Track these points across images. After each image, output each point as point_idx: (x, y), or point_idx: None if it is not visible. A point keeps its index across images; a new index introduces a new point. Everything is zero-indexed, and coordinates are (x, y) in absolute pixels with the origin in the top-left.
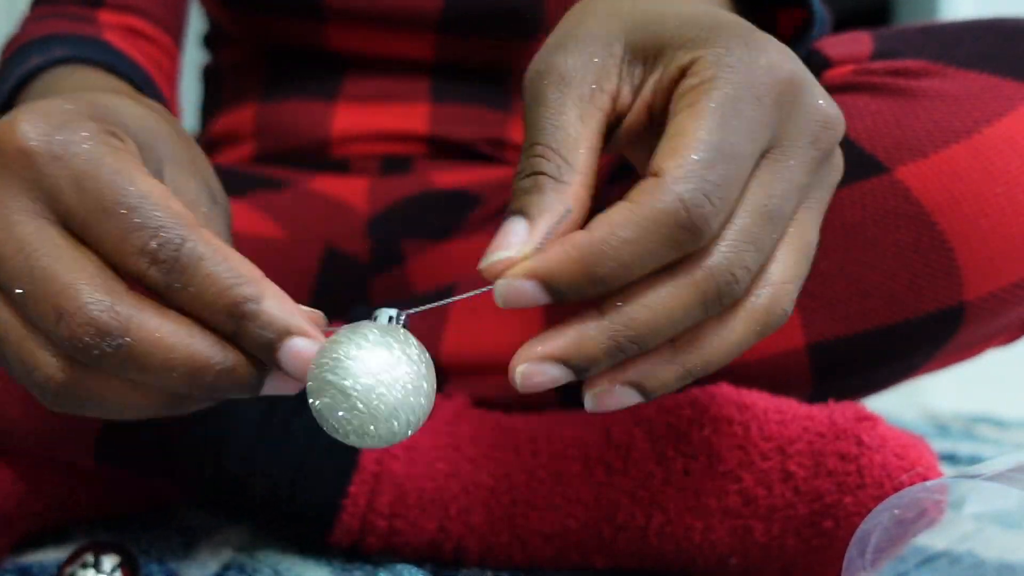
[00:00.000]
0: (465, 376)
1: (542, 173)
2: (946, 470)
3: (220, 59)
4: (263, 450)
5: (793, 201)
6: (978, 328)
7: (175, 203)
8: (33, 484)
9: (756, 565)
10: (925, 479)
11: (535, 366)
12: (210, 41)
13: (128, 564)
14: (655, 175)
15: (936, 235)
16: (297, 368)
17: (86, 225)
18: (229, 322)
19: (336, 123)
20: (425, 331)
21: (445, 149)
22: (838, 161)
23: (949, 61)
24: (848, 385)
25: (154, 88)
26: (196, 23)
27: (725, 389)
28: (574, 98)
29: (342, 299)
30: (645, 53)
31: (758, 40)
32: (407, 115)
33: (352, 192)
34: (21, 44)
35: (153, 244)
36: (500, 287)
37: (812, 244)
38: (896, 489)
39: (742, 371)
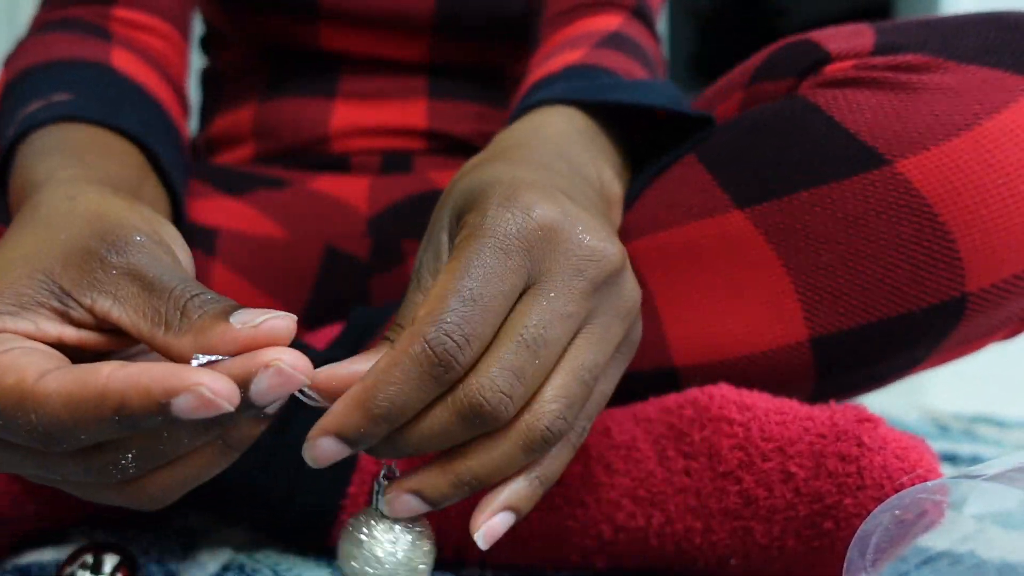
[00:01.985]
0: None
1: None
2: (947, 470)
3: (218, 61)
4: (263, 450)
5: (558, 328)
6: (980, 320)
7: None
8: (30, 484)
9: (756, 566)
10: (926, 480)
11: (318, 440)
12: (207, 44)
13: (127, 564)
14: (412, 324)
15: (938, 227)
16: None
17: None
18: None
19: (335, 119)
20: None
21: (444, 145)
22: (627, 289)
23: (950, 55)
24: (851, 379)
25: (155, 125)
26: (194, 27)
27: (725, 390)
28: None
29: (342, 299)
30: (461, 218)
31: (518, 198)
32: (405, 111)
33: (352, 192)
34: (28, 67)
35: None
36: (305, 452)
37: (590, 367)
38: (897, 490)
39: (747, 366)
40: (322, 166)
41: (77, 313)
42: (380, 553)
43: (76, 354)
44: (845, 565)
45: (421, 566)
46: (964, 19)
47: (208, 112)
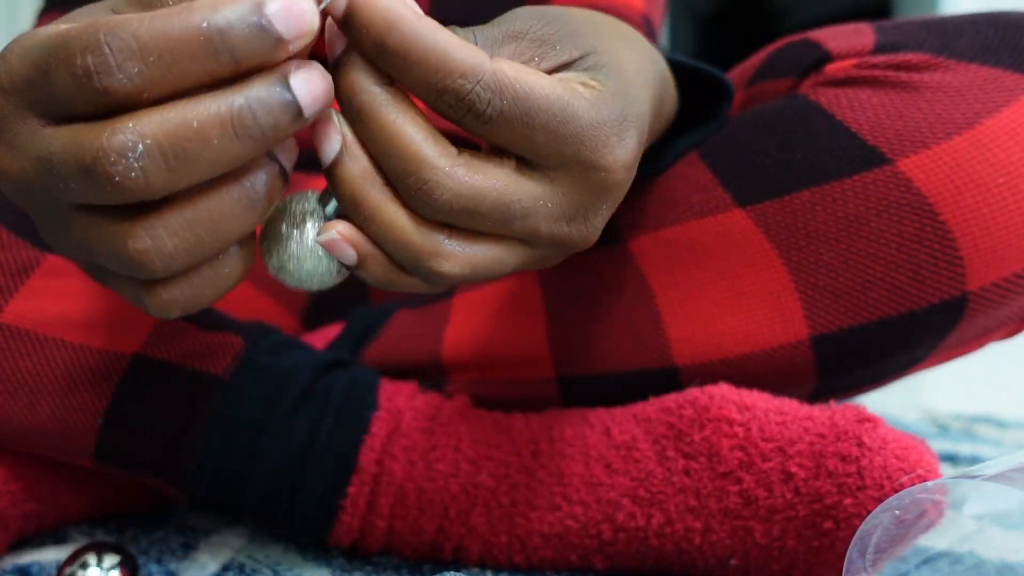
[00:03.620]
0: (465, 375)
1: None
2: (947, 470)
3: None
4: (263, 450)
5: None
6: (980, 319)
7: None
8: (29, 484)
9: (756, 566)
10: (925, 480)
11: None
12: None
13: (127, 565)
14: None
15: (938, 226)
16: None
17: None
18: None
19: None
20: (426, 332)
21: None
22: (597, 218)
23: (950, 54)
24: (852, 378)
25: None
26: None
27: (725, 389)
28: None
29: (342, 299)
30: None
31: (623, 132)
32: None
33: None
34: None
35: None
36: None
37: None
38: (896, 490)
39: (747, 365)
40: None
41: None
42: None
43: None
44: (845, 565)
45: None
46: (964, 19)
47: None
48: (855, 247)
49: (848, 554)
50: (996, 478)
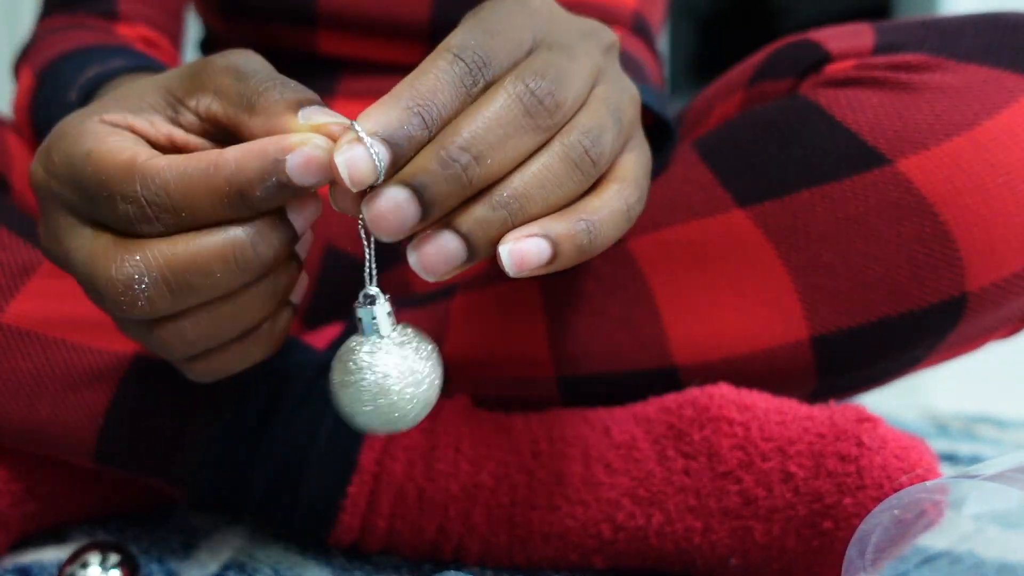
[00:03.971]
0: (466, 375)
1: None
2: (946, 470)
3: None
4: (263, 450)
5: (577, 79)
6: (980, 319)
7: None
8: (30, 483)
9: (756, 566)
10: (925, 480)
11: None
12: (207, 47)
13: (128, 564)
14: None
15: (938, 226)
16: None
17: None
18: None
19: None
20: (426, 331)
21: None
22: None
23: (950, 55)
24: (852, 378)
25: None
26: (193, 30)
27: (725, 389)
28: None
29: (342, 299)
30: None
31: None
32: None
33: None
34: (65, 53)
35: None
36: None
37: (614, 105)
38: (896, 490)
39: (747, 365)
40: None
41: (186, 118)
42: (392, 370)
43: None
44: (844, 565)
45: (436, 381)
46: (964, 19)
47: None
48: (855, 247)
49: (847, 554)
50: (996, 478)
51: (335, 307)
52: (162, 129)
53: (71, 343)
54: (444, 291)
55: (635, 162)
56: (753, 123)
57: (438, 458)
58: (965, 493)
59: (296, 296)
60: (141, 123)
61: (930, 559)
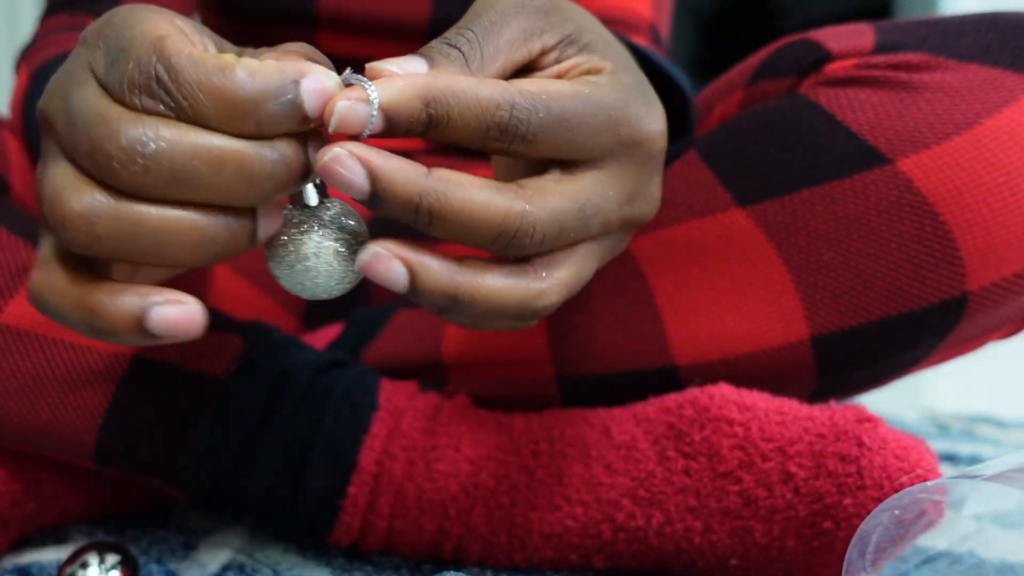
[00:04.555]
0: (465, 375)
1: (458, 48)
2: (946, 470)
3: None
4: (263, 450)
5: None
6: (981, 319)
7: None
8: (29, 484)
9: (756, 566)
10: (925, 480)
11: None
12: None
13: (127, 564)
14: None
15: (938, 226)
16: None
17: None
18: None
19: None
20: (426, 332)
21: (444, 144)
22: (656, 182)
23: (950, 54)
24: (852, 378)
25: None
26: None
27: (725, 389)
28: (515, 26)
29: (342, 298)
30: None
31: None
32: None
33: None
34: (62, 53)
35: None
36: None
37: (594, 206)
38: (896, 490)
39: (748, 365)
40: None
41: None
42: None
43: None
44: (845, 565)
45: (356, 254)
46: (964, 19)
47: None
48: (855, 247)
49: (848, 554)
50: (996, 478)
51: (335, 307)
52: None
53: (70, 343)
54: None
55: (574, 265)
56: (753, 122)
57: (438, 458)
58: (965, 493)
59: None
60: (188, 30)
61: (930, 559)
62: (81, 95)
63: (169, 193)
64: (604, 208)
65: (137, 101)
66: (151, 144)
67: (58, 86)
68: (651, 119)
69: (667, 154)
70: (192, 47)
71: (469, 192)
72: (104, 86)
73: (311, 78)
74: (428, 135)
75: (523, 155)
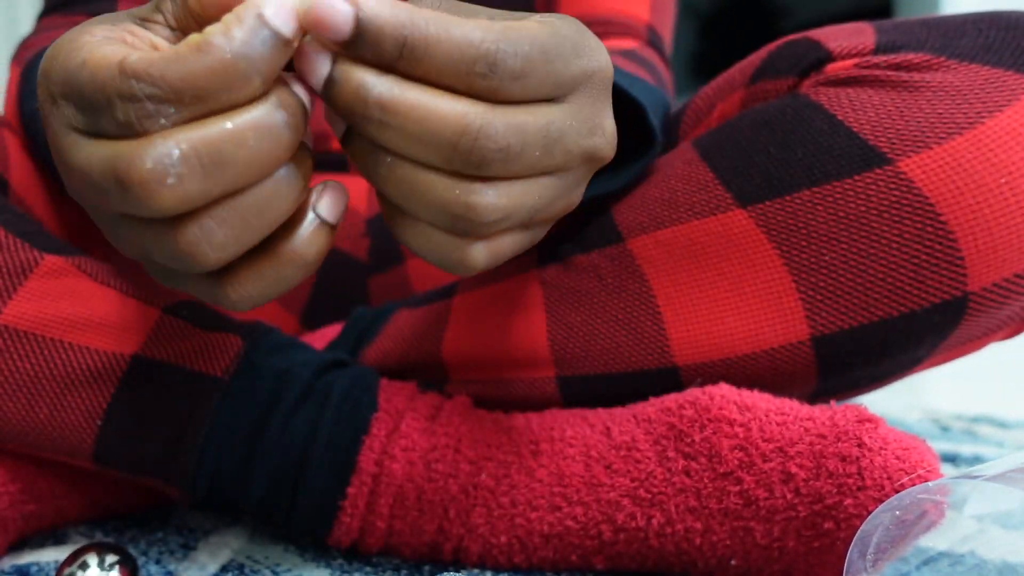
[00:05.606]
0: (465, 375)
1: None
2: (948, 471)
3: None
4: (263, 450)
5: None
6: (982, 319)
7: None
8: (28, 484)
9: (757, 567)
10: (926, 481)
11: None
12: None
13: (127, 565)
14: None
15: (940, 226)
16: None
17: None
18: None
19: None
20: (426, 332)
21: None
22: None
23: (951, 54)
24: (853, 378)
25: None
26: None
27: (726, 390)
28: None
29: (342, 299)
30: None
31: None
32: None
33: (351, 192)
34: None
35: None
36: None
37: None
38: (897, 491)
39: (748, 365)
40: (321, 166)
41: (160, 32)
42: None
43: None
44: (845, 566)
45: None
46: (965, 18)
47: None
48: (856, 247)
49: (848, 555)
50: (997, 478)
51: (335, 307)
52: (143, 37)
53: (70, 343)
54: (444, 290)
55: (528, 192)
56: (754, 122)
57: (438, 458)
58: (966, 494)
59: (333, 214)
60: (126, 36)
61: (931, 560)
62: (82, 157)
63: (210, 188)
64: (568, 133)
65: (139, 127)
66: (175, 150)
67: (59, 161)
68: (600, 50)
69: (632, 172)
70: (146, 49)
71: (447, 43)
72: (97, 135)
73: (269, 6)
74: (399, 65)
75: (506, 96)
